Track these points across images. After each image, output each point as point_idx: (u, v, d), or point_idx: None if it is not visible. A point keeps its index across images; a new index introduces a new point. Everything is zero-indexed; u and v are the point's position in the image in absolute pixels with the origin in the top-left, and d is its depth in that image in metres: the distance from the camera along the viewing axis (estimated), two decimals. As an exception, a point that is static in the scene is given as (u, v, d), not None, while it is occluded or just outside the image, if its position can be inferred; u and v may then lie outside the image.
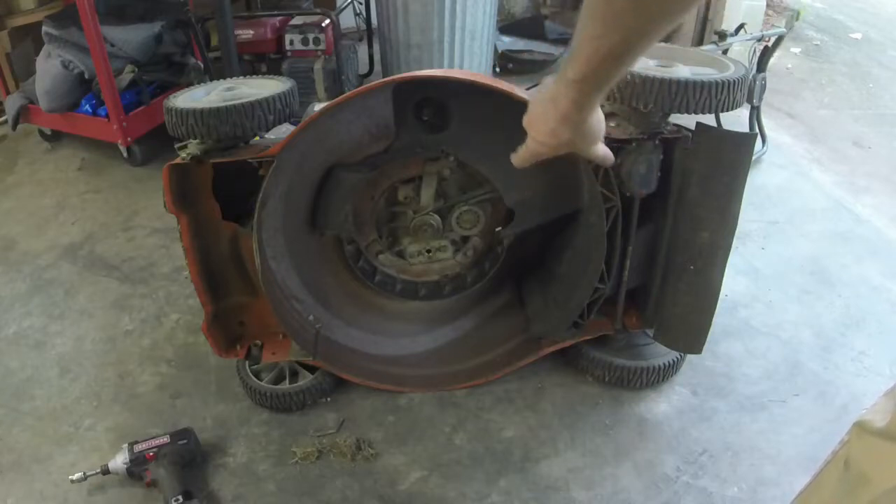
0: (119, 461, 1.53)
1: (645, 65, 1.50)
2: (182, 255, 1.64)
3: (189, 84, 2.72)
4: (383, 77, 2.34)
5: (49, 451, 1.66)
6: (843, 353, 1.93)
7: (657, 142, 1.54)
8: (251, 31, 3.24)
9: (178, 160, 1.51)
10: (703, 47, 2.93)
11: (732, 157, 1.47)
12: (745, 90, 1.47)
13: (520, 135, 1.10)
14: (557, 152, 1.06)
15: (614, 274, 1.67)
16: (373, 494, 1.54)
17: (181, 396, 1.82)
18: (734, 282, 2.18)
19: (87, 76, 2.84)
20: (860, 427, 0.92)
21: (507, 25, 4.41)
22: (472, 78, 1.51)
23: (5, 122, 3.26)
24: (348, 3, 4.15)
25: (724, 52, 2.71)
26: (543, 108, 0.99)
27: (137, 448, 1.54)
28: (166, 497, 1.46)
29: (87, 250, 2.46)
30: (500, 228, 1.78)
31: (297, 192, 1.64)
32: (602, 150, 1.11)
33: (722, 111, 1.46)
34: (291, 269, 1.74)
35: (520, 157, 1.12)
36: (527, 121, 1.05)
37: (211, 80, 2.56)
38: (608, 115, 1.61)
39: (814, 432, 1.67)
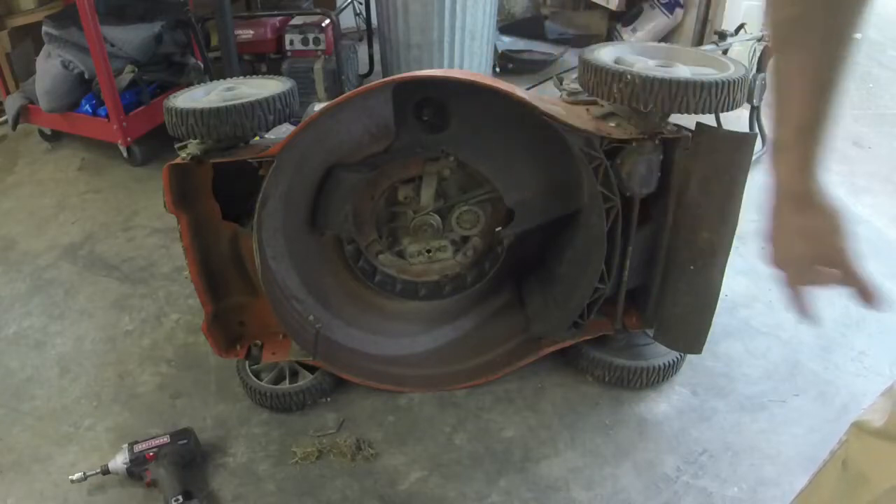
0: (119, 461, 1.53)
1: (645, 65, 1.50)
2: (182, 255, 1.63)
3: (189, 84, 2.72)
4: (383, 77, 2.34)
5: (49, 451, 1.66)
6: (843, 353, 1.93)
7: (657, 142, 1.54)
8: (251, 31, 3.24)
9: (178, 160, 1.51)
10: (703, 47, 2.93)
11: (732, 157, 1.47)
12: (745, 90, 1.47)
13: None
14: (831, 265, 0.80)
15: (614, 274, 1.67)
16: (373, 494, 1.54)
17: (181, 396, 1.82)
18: (734, 282, 2.18)
19: (87, 76, 2.84)
20: (858, 427, 0.92)
21: (507, 25, 4.41)
22: (472, 78, 1.51)
23: (5, 122, 3.26)
24: (348, 3, 4.15)
25: (724, 52, 2.71)
26: (778, 210, 0.76)
27: (137, 448, 1.54)
28: (166, 497, 1.46)
29: (87, 250, 2.46)
30: (500, 228, 1.78)
31: (297, 192, 1.64)
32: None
33: (722, 111, 1.46)
34: (291, 269, 1.74)
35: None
36: (771, 251, 0.82)
37: (211, 80, 2.56)
38: (608, 115, 1.61)
39: (814, 432, 1.67)
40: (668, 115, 1.54)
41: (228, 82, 1.75)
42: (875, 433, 0.88)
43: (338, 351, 1.81)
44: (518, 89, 1.49)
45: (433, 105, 1.63)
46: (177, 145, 1.56)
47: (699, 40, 3.73)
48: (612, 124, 1.57)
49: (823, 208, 0.76)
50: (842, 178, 2.92)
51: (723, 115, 2.53)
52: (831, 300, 2.14)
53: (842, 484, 0.94)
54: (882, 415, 0.89)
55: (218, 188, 1.62)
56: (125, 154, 2.98)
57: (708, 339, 1.66)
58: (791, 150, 0.73)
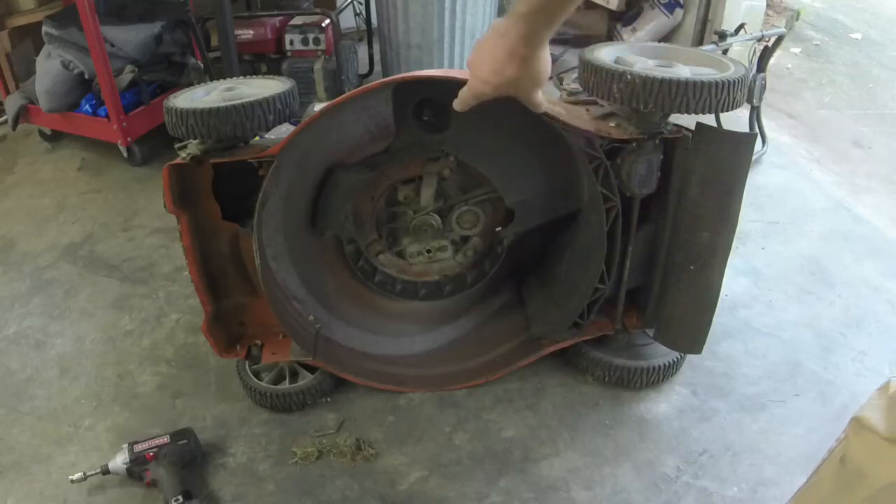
0: (119, 461, 1.53)
1: (645, 65, 1.50)
2: (182, 255, 1.63)
3: (189, 84, 2.72)
4: (383, 77, 2.34)
5: (49, 451, 1.66)
6: (843, 353, 1.93)
7: (657, 142, 1.54)
8: (251, 31, 3.24)
9: (178, 160, 1.51)
10: (703, 47, 2.93)
11: (732, 157, 1.47)
12: (745, 90, 1.47)
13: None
14: (499, 93, 1.08)
15: (614, 274, 1.67)
16: (373, 494, 1.54)
17: (181, 396, 1.82)
18: (734, 282, 2.18)
19: (87, 76, 2.84)
20: (858, 423, 0.93)
21: (507, 25, 4.40)
22: (472, 78, 1.50)
23: (5, 122, 3.26)
24: (348, 3, 4.15)
25: (724, 52, 2.71)
26: (491, 44, 1.01)
27: (137, 448, 1.54)
28: (166, 497, 1.46)
29: (87, 250, 2.46)
30: (500, 228, 1.78)
31: (297, 193, 1.64)
32: (539, 97, 1.13)
33: (722, 111, 1.46)
34: (291, 269, 1.74)
35: (461, 100, 1.15)
36: (471, 60, 1.07)
37: (211, 80, 2.56)
38: (608, 115, 1.61)
39: (814, 432, 1.67)
40: (668, 115, 1.54)
41: (228, 82, 1.75)
42: (874, 431, 0.90)
43: (338, 351, 1.81)
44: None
45: (433, 105, 1.63)
46: (177, 145, 1.56)
47: (699, 40, 3.73)
48: (612, 124, 1.57)
49: (526, 69, 1.02)
50: (842, 178, 2.93)
51: (723, 115, 2.54)
52: (831, 300, 2.14)
53: (840, 480, 0.96)
54: (881, 415, 0.91)
55: (218, 188, 1.62)
56: (125, 154, 2.98)
57: (708, 339, 1.66)
58: (520, 21, 0.95)
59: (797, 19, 4.49)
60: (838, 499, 0.96)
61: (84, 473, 1.52)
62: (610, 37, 4.30)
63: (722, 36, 2.78)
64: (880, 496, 0.88)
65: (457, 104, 1.17)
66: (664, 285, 1.69)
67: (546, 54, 1.05)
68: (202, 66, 3.11)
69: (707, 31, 3.79)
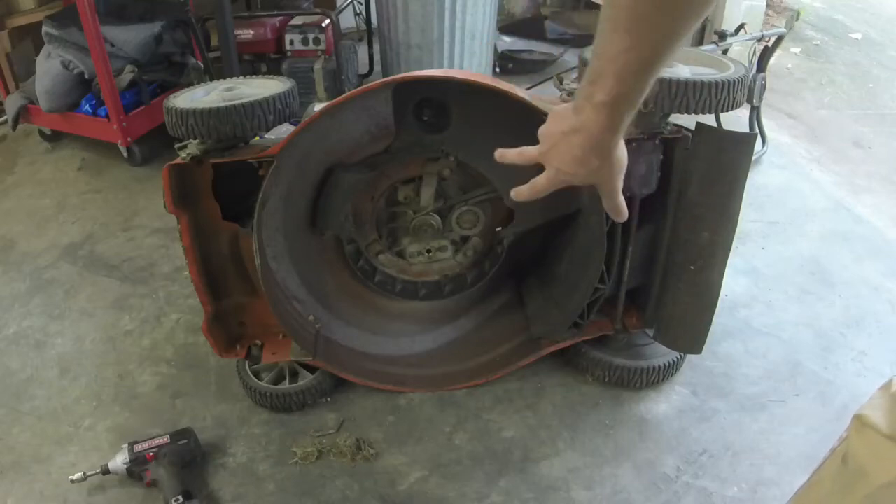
0: (119, 461, 1.53)
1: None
2: (182, 255, 1.63)
3: (189, 84, 2.71)
4: (383, 77, 2.34)
5: (49, 451, 1.66)
6: (843, 353, 1.93)
7: (657, 142, 1.54)
8: (251, 31, 3.24)
9: (178, 160, 1.51)
10: (703, 47, 2.93)
11: (732, 157, 1.47)
12: (745, 90, 1.47)
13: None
14: (583, 182, 0.96)
15: (614, 274, 1.67)
16: (373, 494, 1.54)
17: (181, 396, 1.82)
18: (734, 282, 2.18)
19: (87, 76, 2.84)
20: (860, 421, 0.92)
21: (507, 25, 4.41)
22: (472, 78, 1.51)
23: (5, 122, 3.26)
24: (348, 3, 4.15)
25: (724, 52, 2.71)
26: (567, 137, 0.90)
27: (137, 448, 1.54)
28: (166, 497, 1.46)
29: (87, 250, 2.46)
30: (500, 228, 1.78)
31: (297, 193, 1.64)
32: (620, 187, 0.99)
33: (722, 111, 1.46)
34: (291, 269, 1.74)
35: (537, 188, 1.01)
36: (545, 152, 0.96)
37: (211, 80, 2.56)
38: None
39: (814, 432, 1.67)
40: (668, 115, 1.54)
41: (228, 82, 1.75)
42: (876, 430, 0.89)
43: (338, 351, 1.81)
44: (518, 89, 1.48)
45: (433, 105, 1.63)
46: (177, 145, 1.55)
47: (699, 40, 3.73)
48: (612, 124, 1.57)
49: (611, 157, 0.91)
50: (842, 178, 2.93)
51: (723, 115, 2.54)
52: (831, 300, 2.14)
53: (840, 478, 0.95)
54: (883, 413, 0.90)
55: (218, 188, 1.62)
56: (125, 154, 2.98)
57: (708, 339, 1.66)
58: (601, 110, 0.83)
59: (797, 19, 4.49)
60: (839, 497, 0.95)
61: (84, 473, 1.52)
62: (610, 37, 4.30)
63: (722, 36, 2.78)
64: (881, 494, 0.88)
65: (528, 192, 1.02)
66: (664, 285, 1.69)
67: (622, 141, 0.92)
68: (202, 66, 3.11)
69: (707, 31, 3.79)
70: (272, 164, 1.49)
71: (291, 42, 3.23)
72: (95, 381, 1.88)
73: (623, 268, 1.69)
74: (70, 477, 1.51)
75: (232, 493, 1.55)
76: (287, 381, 1.78)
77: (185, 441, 1.57)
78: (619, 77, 0.79)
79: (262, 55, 3.33)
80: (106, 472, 1.53)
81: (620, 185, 0.97)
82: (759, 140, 2.96)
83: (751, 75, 2.23)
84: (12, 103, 3.09)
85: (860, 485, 0.90)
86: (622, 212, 1.02)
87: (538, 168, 1.00)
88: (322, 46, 3.22)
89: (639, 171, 1.55)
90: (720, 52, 2.53)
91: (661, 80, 1.39)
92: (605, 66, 0.80)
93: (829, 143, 3.29)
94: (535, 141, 0.98)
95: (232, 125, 1.48)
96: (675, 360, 1.80)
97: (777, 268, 2.30)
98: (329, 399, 1.78)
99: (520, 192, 1.03)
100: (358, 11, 4.27)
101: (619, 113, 0.84)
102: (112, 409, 1.78)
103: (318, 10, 3.41)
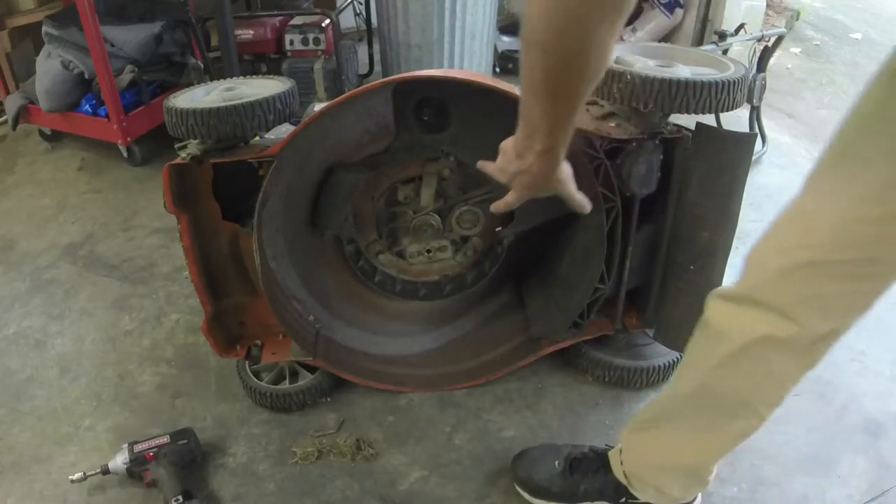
0: (119, 461, 1.53)
1: (645, 65, 1.50)
2: (182, 255, 1.63)
3: (189, 84, 2.72)
4: (383, 77, 2.34)
5: (49, 451, 1.66)
6: (843, 353, 1.93)
7: (657, 142, 1.54)
8: (251, 31, 3.24)
9: (178, 160, 1.51)
10: (703, 47, 2.93)
11: (732, 157, 1.47)
12: (745, 90, 1.46)
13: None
14: (544, 195, 1.17)
15: (614, 274, 1.67)
16: (373, 494, 1.54)
17: (181, 396, 1.82)
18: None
19: (87, 76, 2.84)
20: (716, 294, 1.13)
21: (507, 25, 4.41)
22: (472, 78, 1.51)
23: (5, 122, 3.26)
24: (348, 3, 4.15)
25: (724, 52, 2.71)
26: (519, 176, 1.10)
27: (137, 448, 1.54)
28: (166, 497, 1.46)
29: (87, 250, 2.46)
30: (500, 228, 1.78)
31: (297, 192, 1.64)
32: (574, 190, 1.19)
33: (722, 111, 1.46)
34: (291, 269, 1.74)
35: (508, 204, 1.20)
36: (506, 181, 1.15)
37: (211, 80, 2.56)
38: (608, 115, 1.61)
39: (814, 432, 1.67)
40: (668, 115, 1.54)
41: (228, 82, 1.75)
42: (729, 296, 1.10)
43: (338, 351, 1.81)
44: (518, 89, 1.48)
45: (433, 105, 1.63)
46: (177, 145, 1.56)
47: (699, 40, 3.73)
48: (612, 124, 1.57)
49: (558, 177, 1.11)
50: (842, 178, 2.92)
51: (723, 115, 2.54)
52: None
53: (703, 341, 1.15)
54: (736, 282, 1.09)
55: (218, 188, 1.62)
56: (125, 154, 2.98)
57: (708, 339, 1.66)
58: (541, 157, 1.04)
59: (797, 19, 4.49)
60: (703, 359, 1.14)
61: (84, 473, 1.52)
62: (610, 37, 4.30)
63: (722, 36, 2.78)
64: (739, 355, 1.07)
65: (501, 207, 1.23)
66: (664, 285, 1.69)
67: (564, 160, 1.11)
68: (202, 66, 3.11)
69: (707, 31, 3.79)
70: (272, 164, 1.49)
71: (291, 42, 3.23)
72: (95, 381, 1.88)
73: (623, 268, 1.69)
74: (70, 477, 1.51)
75: (232, 493, 1.55)
76: (287, 381, 1.78)
77: (185, 441, 1.57)
78: (548, 132, 0.99)
79: (262, 55, 3.33)
80: (106, 472, 1.53)
81: (573, 189, 1.17)
82: (759, 140, 2.97)
83: (751, 75, 2.23)
84: (12, 103, 3.09)
85: (722, 345, 1.09)
86: (585, 206, 1.23)
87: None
88: (322, 46, 3.22)
89: (639, 171, 1.55)
90: (720, 52, 2.52)
91: (662, 81, 1.40)
92: (535, 125, 0.99)
93: (829, 143, 3.28)
94: None
95: (232, 125, 1.48)
96: (675, 360, 1.80)
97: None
98: (329, 399, 1.78)
99: (496, 207, 1.23)
100: (358, 11, 4.27)
101: (556, 154, 1.04)
102: (112, 409, 1.78)
103: (318, 10, 3.41)
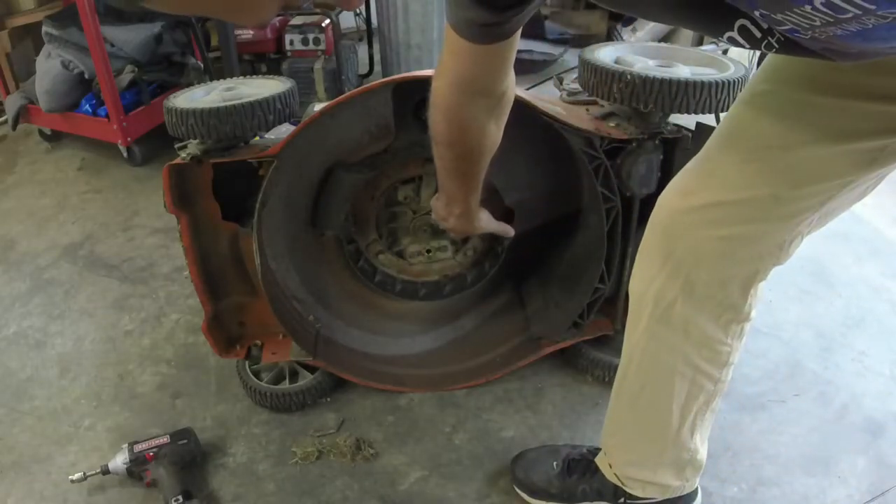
0: (119, 461, 1.53)
1: (645, 65, 1.50)
2: (182, 255, 1.64)
3: (189, 84, 2.72)
4: (383, 77, 2.34)
5: (49, 451, 1.66)
6: (843, 353, 1.93)
7: (657, 142, 1.54)
8: (251, 31, 3.25)
9: (178, 160, 1.51)
10: (703, 47, 2.93)
11: (732, 157, 1.46)
12: (745, 90, 1.46)
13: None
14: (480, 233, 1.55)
15: (614, 274, 1.67)
16: (373, 494, 1.54)
17: (181, 396, 1.82)
18: (734, 282, 2.17)
19: (87, 76, 2.84)
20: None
21: (507, 25, 4.40)
22: (472, 78, 1.50)
23: (5, 122, 3.26)
24: (348, 3, 4.14)
25: (724, 52, 2.71)
26: (450, 227, 1.43)
27: (137, 448, 1.54)
28: (166, 497, 1.46)
29: (87, 250, 2.47)
30: (499, 228, 1.78)
31: (297, 192, 1.64)
32: (495, 225, 1.53)
33: (722, 111, 1.46)
34: (291, 269, 1.74)
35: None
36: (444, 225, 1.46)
37: (211, 80, 2.56)
38: (608, 115, 1.61)
39: (814, 432, 1.67)
40: (668, 115, 1.54)
41: (228, 82, 1.75)
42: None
43: (338, 351, 1.81)
44: (518, 89, 1.48)
45: (433, 105, 1.62)
46: (177, 145, 1.56)
47: (699, 40, 3.73)
48: (612, 124, 1.57)
49: (479, 223, 1.45)
50: (842, 178, 2.92)
51: (723, 116, 2.53)
52: (831, 300, 2.14)
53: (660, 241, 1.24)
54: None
55: (218, 188, 1.62)
56: (125, 154, 2.98)
57: (708, 339, 1.66)
58: (462, 218, 1.38)
59: (797, 19, 4.48)
60: (653, 252, 1.23)
61: (84, 473, 1.52)
62: (610, 37, 4.31)
63: (722, 36, 2.78)
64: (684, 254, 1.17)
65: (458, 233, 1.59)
66: (664, 285, 1.69)
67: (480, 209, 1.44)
68: (202, 66, 3.11)
69: (707, 32, 3.77)
70: (272, 164, 1.49)
71: (291, 42, 3.23)
72: (95, 381, 1.88)
73: (623, 268, 1.69)
74: (70, 477, 1.51)
75: (232, 493, 1.55)
76: (287, 381, 1.78)
77: (185, 441, 1.57)
78: (463, 201, 1.33)
79: (262, 55, 3.34)
80: (106, 472, 1.53)
81: (494, 226, 1.52)
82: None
83: (750, 75, 2.23)
84: (12, 103, 3.09)
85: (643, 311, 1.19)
86: (508, 232, 1.59)
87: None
88: (322, 46, 3.22)
89: (639, 172, 1.55)
90: (720, 53, 2.52)
91: (662, 81, 1.40)
92: (452, 195, 1.32)
93: (829, 143, 3.28)
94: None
95: (232, 125, 1.48)
96: (675, 360, 1.80)
97: (777, 268, 2.29)
98: (329, 399, 1.78)
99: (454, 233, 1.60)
100: (358, 11, 4.26)
101: (473, 214, 1.38)
102: (112, 409, 1.78)
103: (318, 10, 3.41)
